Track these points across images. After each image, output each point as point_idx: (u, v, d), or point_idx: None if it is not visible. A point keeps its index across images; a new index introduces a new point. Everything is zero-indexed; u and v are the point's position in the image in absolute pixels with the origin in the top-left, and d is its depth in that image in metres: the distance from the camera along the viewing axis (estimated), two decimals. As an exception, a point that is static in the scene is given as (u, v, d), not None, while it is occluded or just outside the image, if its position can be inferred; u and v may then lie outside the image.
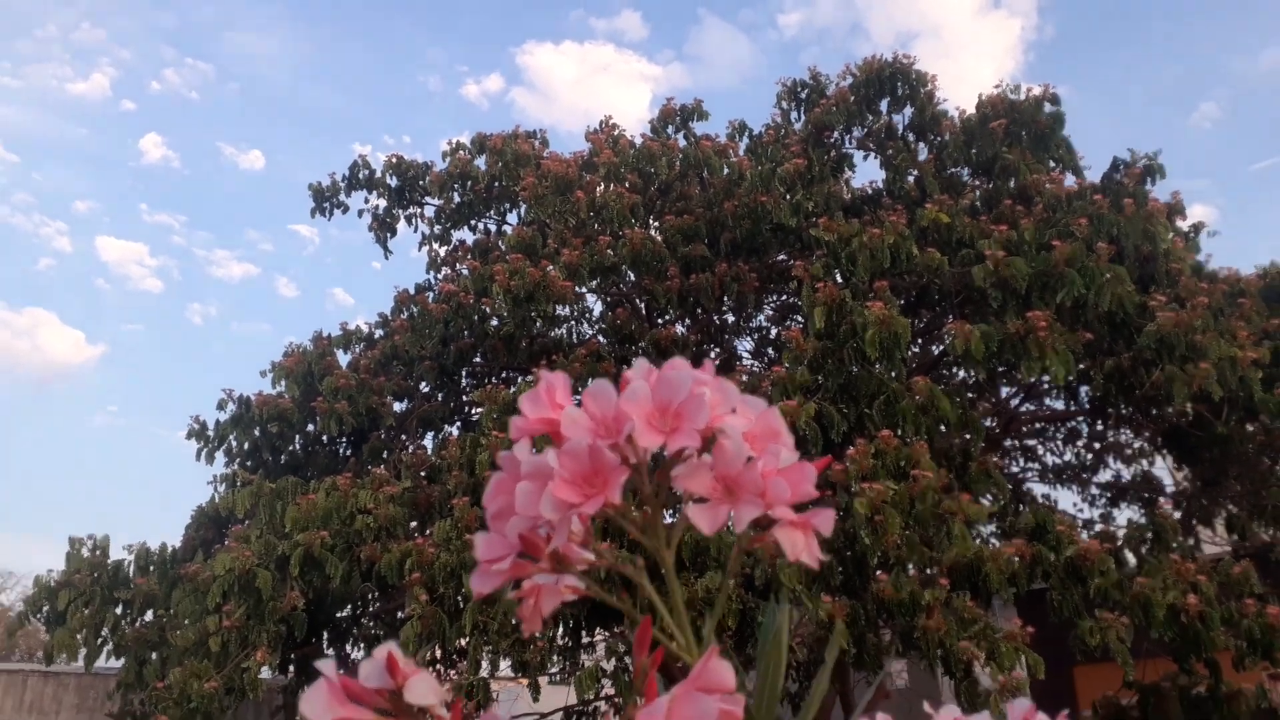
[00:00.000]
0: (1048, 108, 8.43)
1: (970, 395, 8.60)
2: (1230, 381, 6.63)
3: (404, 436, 9.09)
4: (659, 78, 55.24)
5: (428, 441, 9.21)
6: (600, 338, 8.93)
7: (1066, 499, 21.00)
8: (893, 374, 6.68)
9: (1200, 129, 49.69)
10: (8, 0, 36.56)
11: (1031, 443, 10.71)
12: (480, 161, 9.85)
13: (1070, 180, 8.26)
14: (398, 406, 8.97)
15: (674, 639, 0.65)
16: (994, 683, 5.60)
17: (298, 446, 8.99)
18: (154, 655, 7.04)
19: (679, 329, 8.60)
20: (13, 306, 45.34)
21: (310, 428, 8.74)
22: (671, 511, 0.66)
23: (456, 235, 10.30)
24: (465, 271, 8.71)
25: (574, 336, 9.17)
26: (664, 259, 8.28)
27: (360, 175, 10.41)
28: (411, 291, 9.61)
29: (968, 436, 7.09)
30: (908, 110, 8.84)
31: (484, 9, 57.57)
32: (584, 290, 8.56)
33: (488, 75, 57.35)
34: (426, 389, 9.36)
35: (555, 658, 7.48)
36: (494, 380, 9.04)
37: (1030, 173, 8.05)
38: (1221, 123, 49.58)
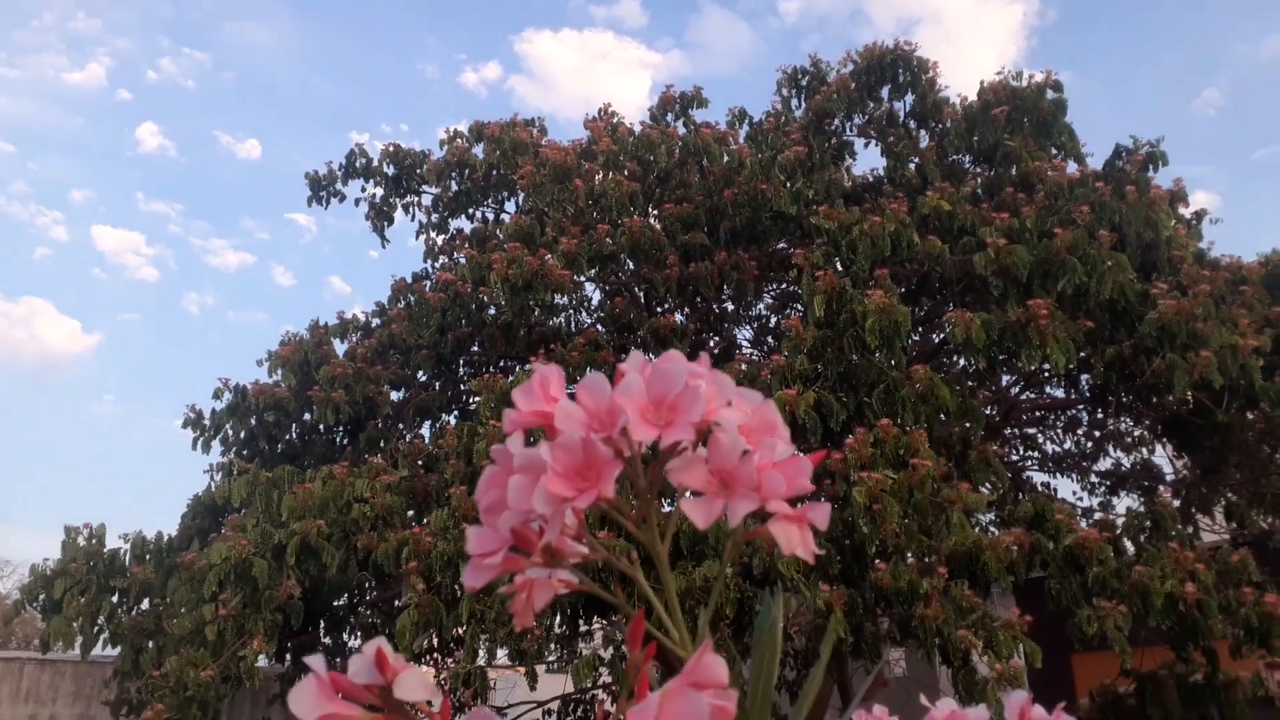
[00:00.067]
0: (1050, 94, 8.40)
1: (970, 383, 8.58)
2: (1231, 369, 6.62)
3: (401, 425, 9.09)
4: (659, 65, 55.15)
5: (425, 430, 9.21)
6: (599, 327, 8.91)
7: (1066, 487, 21.08)
8: (892, 362, 6.67)
9: (1203, 116, 49.67)
10: (4, -13, 36.40)
11: (1031, 431, 10.71)
12: (478, 150, 9.82)
13: (1072, 167, 8.24)
14: (395, 395, 8.96)
15: (668, 633, 0.64)
16: (992, 671, 5.60)
17: (294, 435, 8.98)
18: (150, 644, 7.04)
19: (678, 318, 8.58)
20: (9, 296, 45.30)
21: (307, 417, 8.72)
22: (670, 502, 0.65)
23: (454, 224, 10.27)
24: (463, 260, 8.68)
25: (572, 325, 9.16)
26: (663, 247, 8.25)
27: (357, 164, 10.38)
28: (409, 280, 9.59)
29: (967, 425, 7.08)
30: (909, 97, 8.81)
31: (482, -5, 57.34)
32: (582, 279, 8.54)
33: (486, 63, 57.23)
34: (424, 378, 9.35)
35: (552, 646, 7.48)
36: (492, 369, 9.03)
37: (1032, 160, 8.03)
38: (1224, 109, 49.58)
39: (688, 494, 0.61)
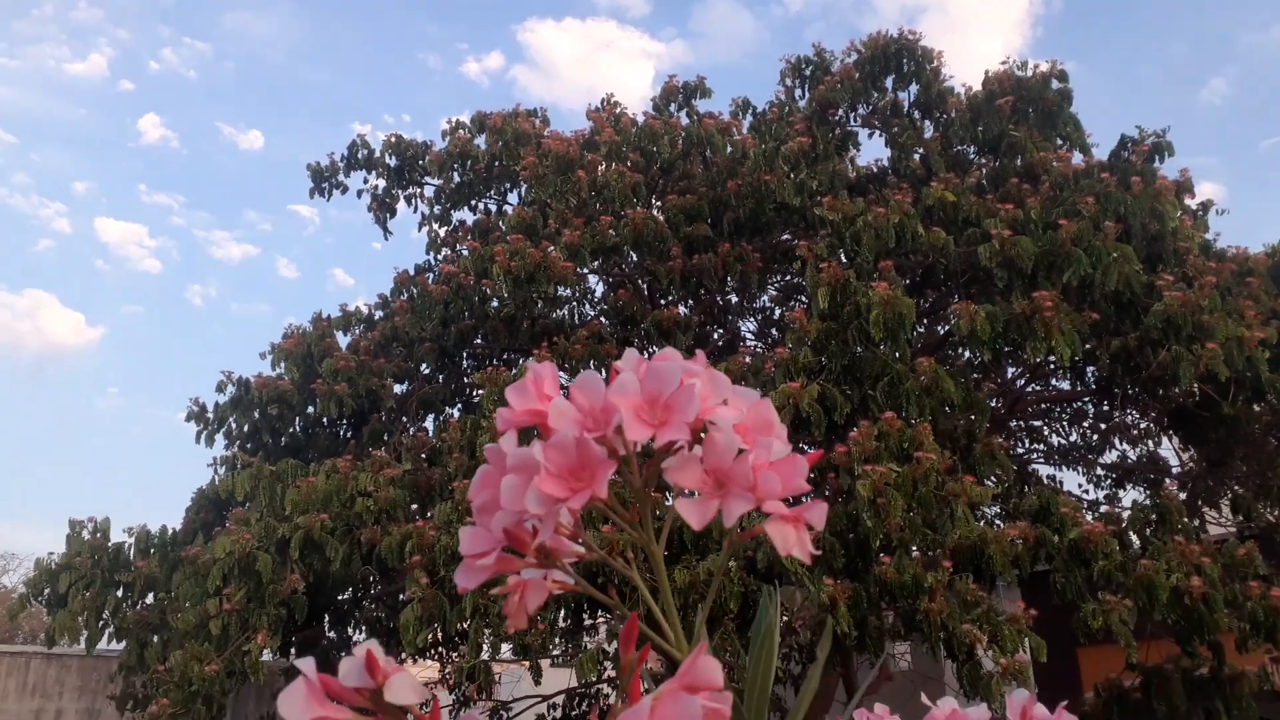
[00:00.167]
0: (1055, 84, 8.36)
1: (975, 376, 8.56)
2: (1237, 362, 6.59)
3: (404, 419, 9.09)
4: (662, 54, 54.98)
5: (428, 424, 9.21)
6: (602, 319, 8.89)
7: (1072, 480, 21.03)
8: (897, 355, 6.65)
9: (1210, 105, 49.44)
10: (6, -20, 36.41)
11: (1037, 424, 10.69)
12: (480, 141, 9.80)
13: (1077, 158, 8.20)
14: (398, 388, 8.96)
15: (664, 634, 0.63)
16: (997, 666, 5.59)
17: (297, 429, 8.98)
18: (155, 638, 7.06)
19: (682, 310, 8.56)
20: (13, 288, 45.38)
21: (310, 410, 8.73)
22: (672, 497, 0.64)
23: (456, 215, 10.26)
24: (465, 252, 8.67)
25: (575, 318, 9.14)
26: (666, 239, 8.24)
27: (359, 155, 10.37)
28: (411, 272, 9.59)
29: (972, 418, 7.06)
30: (913, 87, 8.77)
31: (485, -14, 57.25)
32: (585, 271, 8.52)
33: (488, 53, 57.05)
34: (427, 371, 9.35)
35: (557, 640, 7.48)
36: (495, 362, 9.02)
37: (1037, 150, 7.99)
38: (1231, 99, 49.34)
39: (682, 495, 0.60)
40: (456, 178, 9.92)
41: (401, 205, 10.56)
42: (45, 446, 42.26)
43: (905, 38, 8.67)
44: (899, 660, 10.29)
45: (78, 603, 7.22)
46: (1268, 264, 7.80)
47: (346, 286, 56.73)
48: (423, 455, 7.58)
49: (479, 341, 9.24)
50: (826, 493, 6.18)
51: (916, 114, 8.80)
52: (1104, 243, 6.90)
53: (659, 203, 8.94)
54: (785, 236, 8.89)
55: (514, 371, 7.46)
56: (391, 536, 6.43)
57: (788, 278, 9.79)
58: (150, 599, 7.51)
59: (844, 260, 7.21)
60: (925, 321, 8.81)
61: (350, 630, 8.71)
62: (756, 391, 0.62)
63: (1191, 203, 8.32)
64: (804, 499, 0.63)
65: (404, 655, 6.44)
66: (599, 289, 9.53)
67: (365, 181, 10.49)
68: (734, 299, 9.90)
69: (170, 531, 7.96)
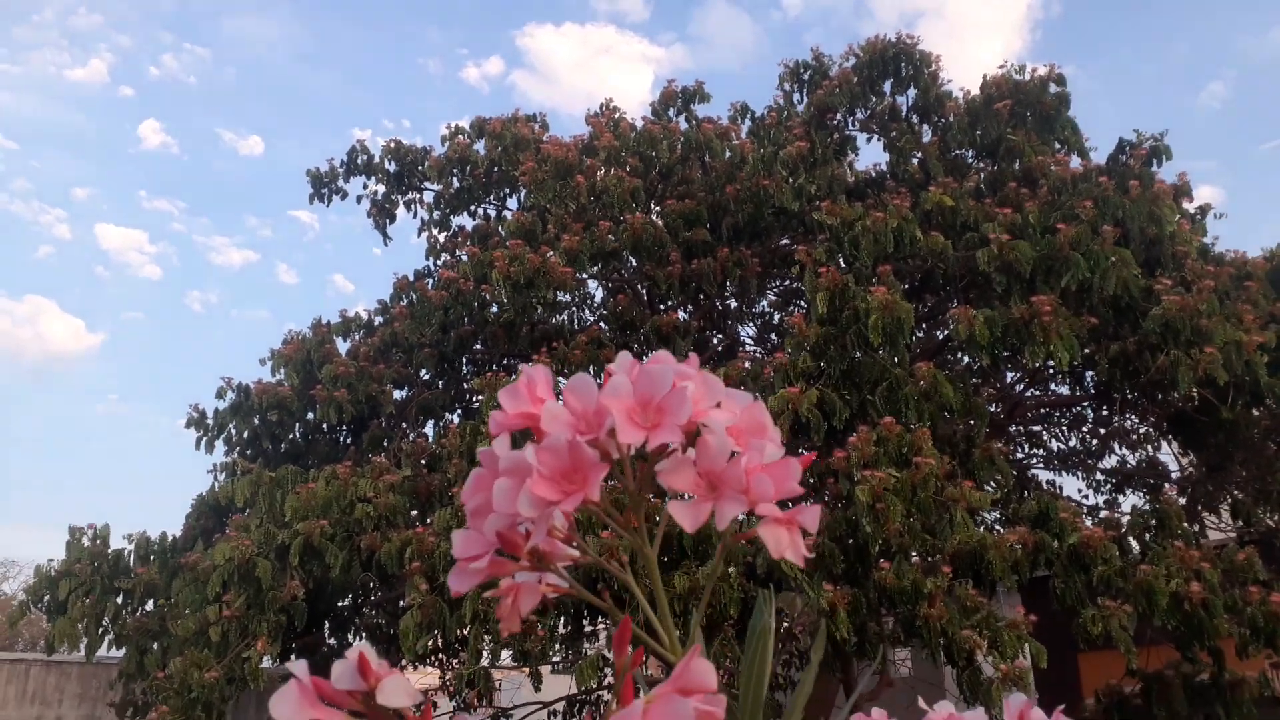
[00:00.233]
0: (1053, 88, 8.36)
1: (974, 381, 8.56)
2: (1236, 366, 6.59)
3: (404, 424, 9.08)
4: (661, 59, 55.05)
5: (428, 429, 9.21)
6: (601, 324, 8.90)
7: (1071, 485, 21.02)
8: (896, 360, 6.64)
9: (1208, 109, 49.47)
10: (6, -13, 36.44)
11: (1036, 428, 10.68)
12: (480, 146, 9.82)
13: (1075, 162, 8.20)
14: (398, 394, 8.96)
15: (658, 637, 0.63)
16: (997, 671, 5.58)
17: (297, 435, 8.98)
18: (155, 645, 7.05)
19: (681, 315, 8.57)
20: (13, 295, 45.27)
21: (310, 416, 8.72)
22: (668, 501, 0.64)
23: (456, 221, 10.28)
24: (465, 258, 8.67)
25: (575, 323, 9.14)
26: (665, 244, 8.24)
27: (359, 160, 10.38)
28: (411, 278, 9.59)
29: (971, 423, 7.05)
30: (911, 92, 8.77)
31: (484, -8, 57.33)
32: (585, 276, 8.53)
33: (488, 58, 57.15)
34: (427, 376, 9.35)
35: (557, 646, 7.47)
36: (495, 367, 9.02)
37: (1035, 155, 7.99)
38: (1229, 103, 49.36)
39: (675, 499, 0.60)
40: (456, 183, 9.93)
41: (401, 211, 10.58)
42: (45, 453, 42.26)
43: (903, 42, 8.68)
44: (899, 666, 10.28)
45: (77, 609, 7.21)
46: (1266, 268, 7.80)
47: (346, 292, 56.81)
48: (422, 461, 7.58)
49: (478, 347, 9.25)
50: (826, 498, 6.18)
51: (915, 118, 8.80)
52: (1102, 247, 6.90)
53: (658, 208, 8.94)
54: (784, 241, 8.89)
55: (513, 377, 7.45)
56: (391, 543, 6.43)
57: (786, 282, 9.79)
58: (150, 606, 7.50)
59: (843, 265, 7.21)
60: (924, 326, 8.81)
61: (350, 637, 8.69)
62: (749, 395, 0.61)
63: (1190, 206, 8.33)
64: (800, 502, 0.63)
65: (404, 661, 6.44)
66: (598, 294, 9.55)
67: (365, 187, 10.52)
68: (733, 304, 9.90)
69: (170, 538, 7.95)
